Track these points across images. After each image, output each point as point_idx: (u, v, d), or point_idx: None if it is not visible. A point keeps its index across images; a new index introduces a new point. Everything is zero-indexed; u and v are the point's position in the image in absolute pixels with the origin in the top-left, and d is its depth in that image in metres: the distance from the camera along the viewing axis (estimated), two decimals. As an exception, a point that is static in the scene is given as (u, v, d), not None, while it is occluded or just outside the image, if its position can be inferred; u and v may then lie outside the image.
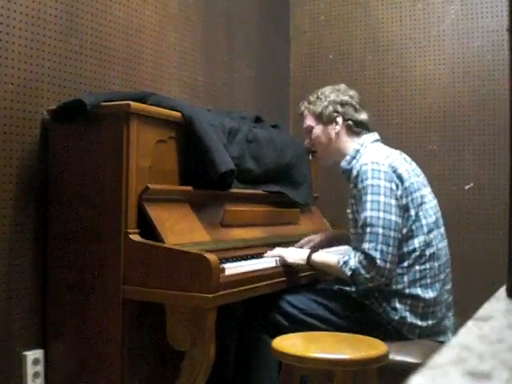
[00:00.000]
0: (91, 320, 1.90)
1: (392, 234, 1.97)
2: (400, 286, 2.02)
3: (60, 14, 2.12)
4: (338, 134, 2.22)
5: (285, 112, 3.62)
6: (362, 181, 2.03)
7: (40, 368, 2.00)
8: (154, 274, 1.79)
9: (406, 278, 2.02)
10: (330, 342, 1.79)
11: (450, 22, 3.30)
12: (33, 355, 1.98)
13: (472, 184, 3.21)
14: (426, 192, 2.12)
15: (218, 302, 1.75)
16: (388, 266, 1.95)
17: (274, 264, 2.12)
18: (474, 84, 3.23)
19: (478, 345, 0.58)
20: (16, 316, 1.95)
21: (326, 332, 1.95)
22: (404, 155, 2.21)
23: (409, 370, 1.76)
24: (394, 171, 2.05)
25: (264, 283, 2.01)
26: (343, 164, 2.19)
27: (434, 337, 2.03)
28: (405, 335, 2.01)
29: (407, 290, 2.02)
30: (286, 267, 2.15)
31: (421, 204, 2.06)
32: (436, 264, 2.05)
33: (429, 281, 2.03)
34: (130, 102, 1.86)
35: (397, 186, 2.03)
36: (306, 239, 2.43)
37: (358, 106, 2.25)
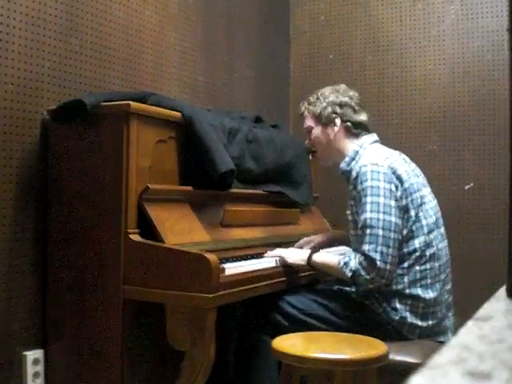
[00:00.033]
0: (91, 320, 1.90)
1: (392, 235, 1.97)
2: (400, 287, 2.02)
3: (60, 14, 2.12)
4: (336, 135, 2.22)
5: (285, 112, 3.62)
6: (361, 182, 2.03)
7: (40, 368, 2.00)
8: (154, 274, 1.79)
9: (406, 279, 2.02)
10: (330, 342, 1.79)
11: (450, 22, 3.30)
12: (33, 355, 1.98)
13: (472, 184, 3.21)
14: (426, 192, 2.12)
15: (218, 302, 1.75)
16: (388, 267, 1.95)
17: (274, 264, 2.12)
18: (474, 84, 3.23)
19: (478, 345, 0.58)
20: (16, 316, 1.95)
21: (326, 332, 1.95)
22: (403, 156, 2.21)
23: (409, 369, 1.76)
24: (394, 172, 2.05)
25: (264, 283, 2.01)
26: (342, 165, 2.19)
27: (434, 337, 2.03)
28: (405, 335, 2.01)
29: (407, 291, 2.02)
30: (286, 267, 2.15)
31: (421, 204, 2.06)
32: (436, 264, 2.05)
33: (429, 281, 2.03)
34: (130, 102, 1.86)
35: (396, 187, 2.03)
36: (306, 240, 2.43)
37: (357, 107, 2.24)
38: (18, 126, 1.97)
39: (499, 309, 0.77)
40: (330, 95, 2.25)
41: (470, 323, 0.66)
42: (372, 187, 2.00)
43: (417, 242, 2.03)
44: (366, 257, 1.95)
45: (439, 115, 3.31)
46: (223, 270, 1.79)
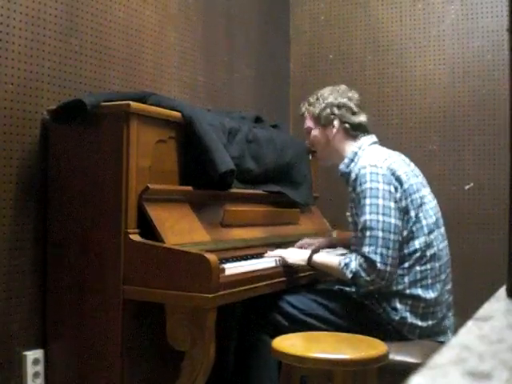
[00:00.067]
0: (91, 320, 1.90)
1: (392, 236, 1.97)
2: (401, 287, 2.02)
3: (60, 14, 2.12)
4: (335, 136, 2.22)
5: (285, 112, 3.62)
6: (360, 184, 2.03)
7: (40, 368, 2.00)
8: (154, 274, 1.79)
9: (406, 279, 2.02)
10: (330, 341, 1.79)
11: (450, 22, 3.30)
12: (33, 355, 1.98)
13: (472, 184, 3.21)
14: (426, 193, 2.12)
15: (218, 302, 1.75)
16: (388, 269, 1.95)
17: (274, 264, 2.12)
18: (474, 84, 3.23)
19: (478, 345, 0.58)
20: (16, 316, 1.95)
21: (326, 332, 1.95)
22: (403, 156, 2.21)
23: (409, 370, 1.76)
24: (393, 174, 2.04)
25: (264, 283, 2.01)
26: (342, 167, 2.19)
27: (434, 337, 2.03)
28: (405, 335, 2.01)
29: (408, 291, 2.02)
30: (286, 267, 2.15)
31: (420, 205, 2.06)
32: (437, 264, 2.05)
33: (430, 281, 2.03)
34: (130, 102, 1.86)
35: (396, 189, 2.03)
36: (306, 240, 2.43)
37: (355, 109, 2.23)
38: (18, 125, 1.97)
39: (499, 309, 0.77)
40: (329, 96, 2.24)
41: (469, 323, 0.66)
42: (371, 189, 2.00)
43: (417, 243, 2.03)
44: (366, 259, 1.95)
45: (439, 115, 3.31)
46: (223, 270, 1.79)
